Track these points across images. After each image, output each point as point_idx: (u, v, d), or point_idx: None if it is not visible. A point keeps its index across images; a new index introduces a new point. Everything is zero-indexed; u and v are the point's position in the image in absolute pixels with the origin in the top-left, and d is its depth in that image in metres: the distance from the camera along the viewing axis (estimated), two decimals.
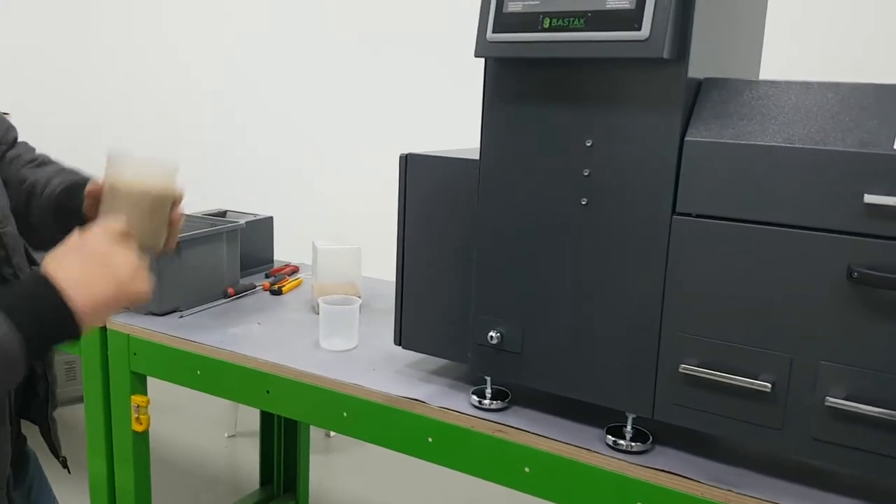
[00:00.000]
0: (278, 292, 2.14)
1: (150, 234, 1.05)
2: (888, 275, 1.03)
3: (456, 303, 1.46)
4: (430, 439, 1.43)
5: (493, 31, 1.26)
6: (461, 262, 1.44)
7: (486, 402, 1.42)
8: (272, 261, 2.45)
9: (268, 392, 1.63)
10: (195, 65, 3.76)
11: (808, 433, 1.13)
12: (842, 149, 1.06)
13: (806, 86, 1.14)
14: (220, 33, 3.66)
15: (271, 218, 2.43)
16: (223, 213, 2.44)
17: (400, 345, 1.56)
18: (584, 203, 1.26)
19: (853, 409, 1.08)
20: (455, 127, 2.80)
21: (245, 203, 2.71)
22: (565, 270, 1.30)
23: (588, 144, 1.25)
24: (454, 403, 1.44)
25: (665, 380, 1.23)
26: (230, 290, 2.06)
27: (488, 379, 1.44)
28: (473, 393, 1.45)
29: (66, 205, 1.17)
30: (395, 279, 2.18)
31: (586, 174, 1.26)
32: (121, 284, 0.89)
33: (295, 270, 2.38)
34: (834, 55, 2.07)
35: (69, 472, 1.21)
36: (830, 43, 2.10)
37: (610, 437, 1.31)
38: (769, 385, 1.14)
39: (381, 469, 3.11)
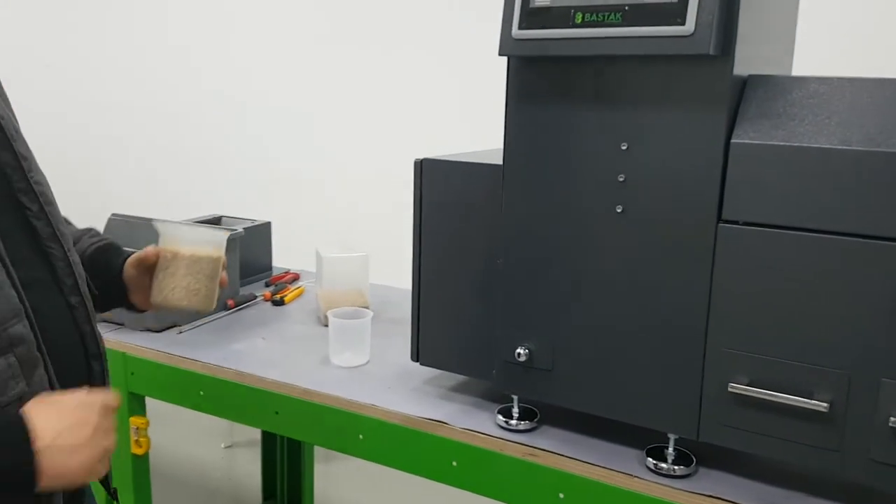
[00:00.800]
0: (280, 302, 2.04)
1: (207, 296, 1.19)
2: None
3: (478, 316, 1.37)
4: (454, 463, 1.34)
5: (520, 28, 1.17)
6: (484, 274, 1.35)
7: (514, 422, 1.34)
8: (271, 268, 2.35)
9: (277, 413, 1.54)
10: (191, 64, 3.64)
11: (868, 455, 1.05)
12: None
13: (861, 82, 1.06)
14: (220, 32, 3.54)
15: (269, 223, 2.33)
16: (217, 220, 2.33)
17: (417, 361, 1.47)
18: (619, 210, 1.18)
19: None
20: (464, 128, 2.71)
21: (239, 207, 2.61)
22: (599, 282, 1.21)
23: (623, 148, 1.16)
24: (479, 424, 1.35)
25: (711, 399, 1.15)
26: (230, 303, 1.96)
27: (515, 397, 1.35)
28: (499, 412, 1.36)
29: (101, 267, 1.20)
30: (403, 286, 2.11)
31: (621, 180, 1.17)
32: (90, 463, 0.87)
33: (296, 278, 2.29)
34: (867, 53, 2.00)
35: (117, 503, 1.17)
36: (862, 40, 2.02)
37: (651, 459, 1.23)
38: (827, 405, 1.06)
39: (386, 479, 3.02)
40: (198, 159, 3.68)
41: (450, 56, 2.90)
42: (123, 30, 3.79)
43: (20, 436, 0.81)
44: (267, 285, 2.21)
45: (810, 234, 1.06)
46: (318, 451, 2.61)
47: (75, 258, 1.01)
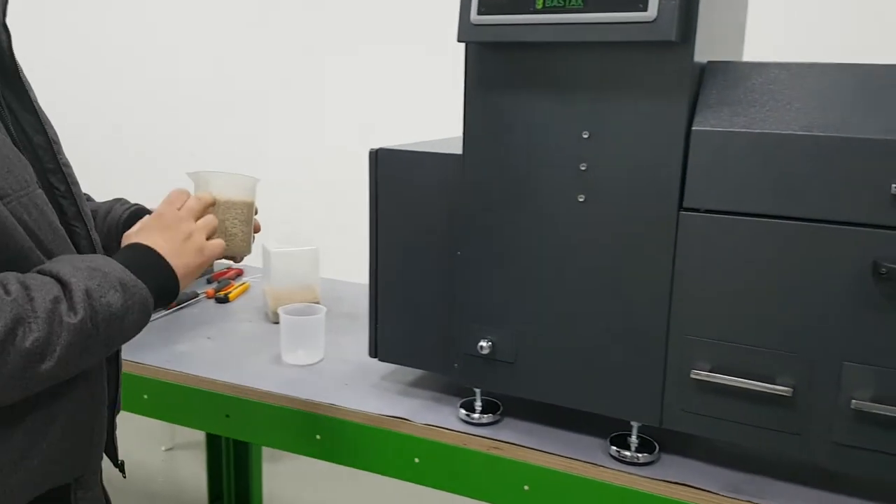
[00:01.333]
0: (225, 300, 1.97)
1: (244, 240, 1.21)
2: None
3: (439, 310, 1.34)
4: (416, 460, 1.32)
5: (479, 13, 1.14)
6: (444, 266, 1.32)
7: (476, 415, 1.32)
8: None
9: (228, 416, 1.48)
10: (120, 52, 3.48)
11: (831, 438, 1.07)
12: (865, 136, 0.99)
13: (820, 68, 1.07)
14: (145, 18, 3.39)
15: None
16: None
17: (375, 357, 1.44)
18: (581, 200, 1.17)
19: (879, 412, 1.02)
20: (418, 115, 2.66)
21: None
22: (561, 272, 1.20)
23: (585, 136, 1.15)
24: (441, 419, 1.33)
25: (674, 386, 1.16)
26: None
27: (478, 390, 1.33)
28: (461, 406, 1.34)
29: None
30: (353, 280, 2.07)
31: (583, 169, 1.16)
32: (200, 252, 1.04)
33: (239, 274, 2.21)
34: (823, 39, 2.04)
35: (124, 477, 1.18)
36: (817, 25, 2.07)
37: (614, 447, 1.22)
38: (789, 389, 1.07)
39: (336, 476, 2.98)
40: (130, 152, 3.53)
41: (408, 41, 2.83)
42: (68, 20, 3.60)
43: (160, 263, 0.97)
44: (209, 282, 2.13)
45: (771, 220, 1.06)
46: (266, 451, 2.55)
47: (96, 237, 1.05)
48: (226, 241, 1.14)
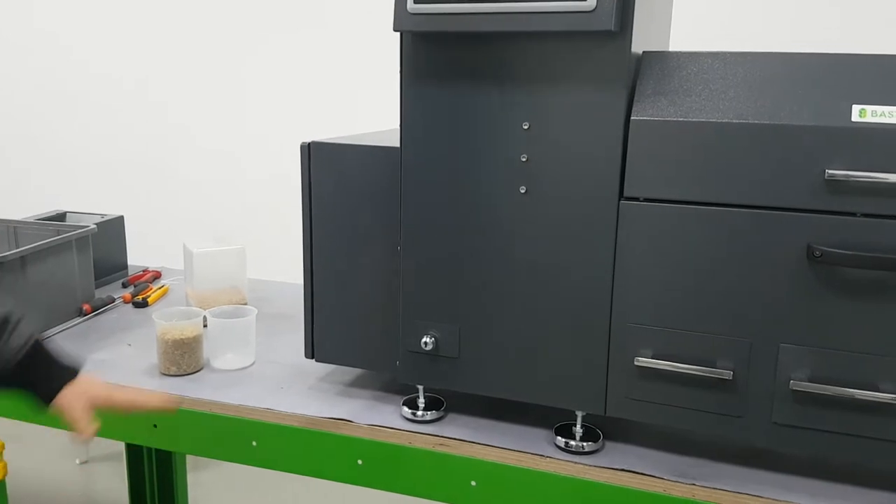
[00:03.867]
0: (143, 304, 1.87)
1: None
2: (853, 252, 1.01)
3: (379, 307, 1.31)
4: (359, 462, 1.28)
5: (416, 2, 1.11)
6: (382, 262, 1.29)
7: (420, 413, 1.30)
8: (126, 267, 2.16)
9: (155, 426, 1.40)
10: (27, 50, 3.26)
11: (771, 419, 1.10)
12: (798, 123, 1.02)
13: (752, 56, 1.10)
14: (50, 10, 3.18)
15: (122, 218, 2.13)
16: (62, 216, 2.11)
17: (312, 357, 1.39)
18: (522, 191, 1.16)
19: (816, 391, 1.06)
20: (349, 106, 2.60)
21: (84, 202, 2.38)
22: (505, 264, 1.19)
23: (525, 127, 1.14)
24: (384, 419, 1.30)
25: (618, 374, 1.16)
26: (86, 307, 1.78)
27: (421, 387, 1.31)
28: (404, 404, 1.32)
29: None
30: (279, 278, 2.01)
31: (524, 160, 1.15)
32: None
33: (157, 276, 2.11)
34: (740, 29, 2.10)
35: None
36: (735, 17, 2.12)
37: (560, 438, 1.23)
38: (730, 372, 1.10)
39: (263, 480, 2.89)
40: (37, 152, 3.32)
41: (336, 28, 2.75)
42: None
43: None
44: (125, 286, 2.03)
45: (709, 207, 1.08)
46: (190, 459, 2.45)
47: None
48: None
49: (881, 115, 0.99)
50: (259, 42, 2.86)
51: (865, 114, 1.00)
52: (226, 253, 1.74)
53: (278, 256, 1.95)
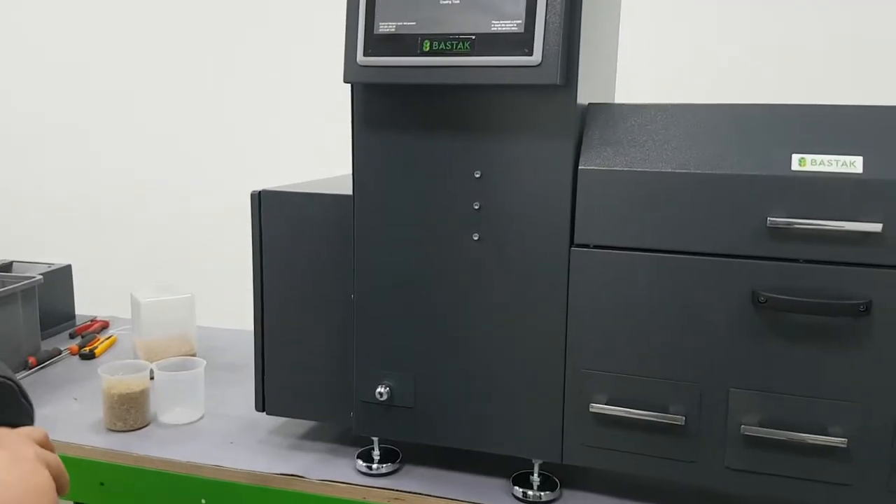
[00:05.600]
0: (90, 356, 1.82)
1: None
2: (795, 298, 1.03)
3: (331, 357, 1.29)
4: None
5: (365, 55, 1.12)
6: (335, 311, 1.28)
7: (375, 466, 1.27)
8: (74, 317, 2.10)
9: (102, 484, 1.35)
10: None
11: (724, 463, 1.11)
12: (740, 172, 1.05)
13: (693, 108, 1.13)
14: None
15: (69, 267, 2.08)
16: (8, 266, 2.05)
17: (263, 410, 1.36)
18: (475, 239, 1.16)
19: (766, 436, 1.07)
20: (300, 153, 2.58)
21: (31, 248, 2.32)
22: (459, 312, 1.19)
23: (477, 176, 1.15)
24: (338, 473, 1.27)
25: (573, 421, 1.16)
26: (32, 360, 1.72)
27: (375, 439, 1.29)
28: (359, 457, 1.29)
29: None
30: (236, 326, 1.97)
31: (476, 208, 1.16)
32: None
33: (105, 326, 2.06)
34: (682, 81, 2.16)
35: None
36: (677, 70, 2.19)
37: (517, 487, 1.21)
38: (682, 417, 1.10)
39: None
40: None
41: (286, 75, 2.74)
42: None
43: None
44: (72, 336, 1.97)
45: (656, 253, 1.10)
46: None
47: None
48: None
49: (820, 163, 1.02)
50: (210, 85, 2.84)
51: (805, 162, 1.03)
52: (174, 302, 1.71)
53: (230, 302, 1.92)
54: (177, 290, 1.75)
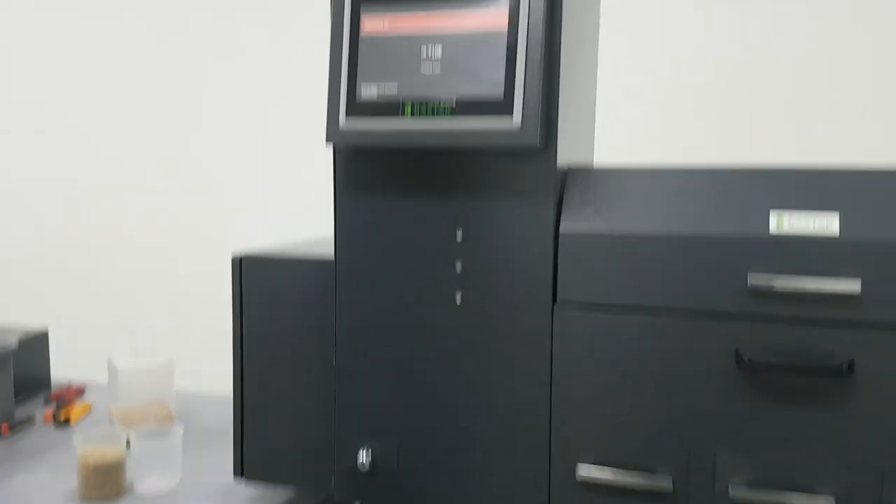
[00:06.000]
0: (65, 424, 1.78)
1: None
2: (779, 358, 1.03)
3: (312, 421, 1.27)
4: None
5: (348, 118, 1.13)
6: (316, 375, 1.26)
7: None
8: (49, 382, 2.05)
9: None
10: None
11: None
12: (719, 233, 1.06)
13: (669, 172, 1.15)
14: None
15: (46, 333, 2.05)
16: None
17: (242, 476, 1.33)
18: (458, 301, 1.16)
19: (755, 499, 1.05)
20: (276, 215, 2.58)
21: (7, 309, 2.29)
22: (442, 375, 1.18)
23: (459, 238, 1.15)
24: None
25: (560, 485, 1.14)
26: (5, 428, 1.68)
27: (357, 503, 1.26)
28: None
29: None
30: (215, 390, 1.94)
31: (458, 270, 1.16)
32: None
33: (81, 391, 2.02)
34: (659, 142, 2.20)
35: None
36: (653, 131, 2.23)
37: None
38: (670, 479, 1.09)
39: None
40: None
41: (268, 138, 2.76)
42: None
43: None
44: (47, 402, 1.93)
45: (640, 313, 1.10)
46: None
47: None
48: None
49: (798, 224, 1.04)
50: (193, 148, 2.85)
51: (783, 223, 1.04)
52: (152, 368, 1.68)
53: (210, 366, 1.89)
54: (155, 354, 1.72)
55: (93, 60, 2.92)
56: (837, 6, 2.11)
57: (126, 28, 2.85)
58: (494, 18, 1.08)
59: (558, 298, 1.13)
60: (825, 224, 1.02)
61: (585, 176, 1.17)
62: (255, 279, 1.29)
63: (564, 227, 1.12)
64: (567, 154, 1.18)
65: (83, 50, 2.93)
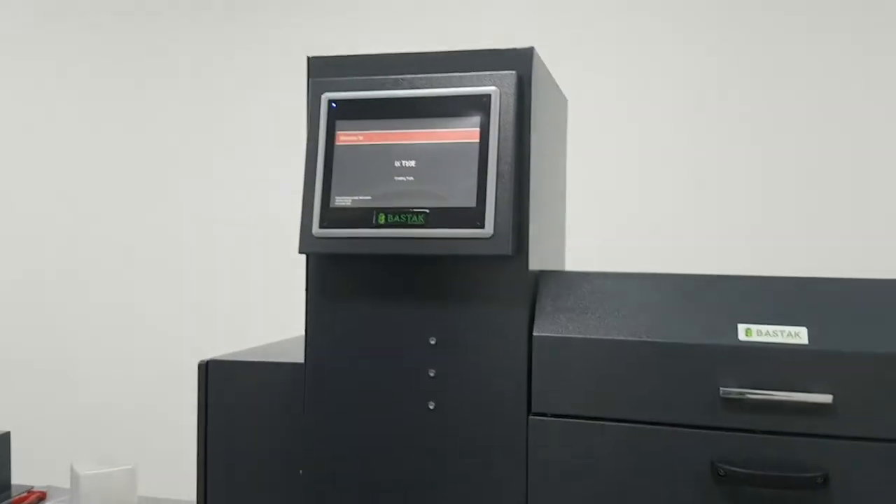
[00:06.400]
0: None
1: None
2: (754, 471, 1.02)
3: None
4: None
5: (321, 227, 1.14)
6: (282, 484, 1.22)
7: None
8: (10, 487, 1.97)
9: None
10: None
11: None
12: (689, 341, 1.07)
13: (640, 277, 1.16)
14: None
15: (8, 435, 1.98)
16: None
17: None
18: (431, 407, 1.14)
19: None
20: (254, 322, 2.55)
21: None
22: (414, 484, 1.15)
23: (432, 343, 1.15)
24: None
25: None
26: None
27: None
28: None
29: None
30: (180, 496, 1.87)
31: (432, 375, 1.14)
32: None
33: (42, 497, 1.93)
34: (629, 249, 2.24)
35: None
36: (622, 238, 2.27)
37: None
38: None
39: None
40: None
41: (236, 240, 2.76)
42: None
43: None
44: None
45: (613, 423, 1.09)
46: None
47: None
48: None
49: (766, 334, 1.05)
50: (156, 246, 2.82)
51: (751, 333, 1.05)
52: (114, 475, 1.62)
53: (174, 471, 1.84)
54: (118, 460, 1.67)
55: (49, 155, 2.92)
56: (804, 118, 2.20)
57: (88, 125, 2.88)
58: (466, 132, 1.11)
59: (533, 406, 1.12)
60: (793, 334, 1.03)
61: (558, 280, 1.18)
62: (222, 384, 1.26)
63: (538, 331, 1.12)
64: (539, 260, 1.19)
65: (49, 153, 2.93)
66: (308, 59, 1.21)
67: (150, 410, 2.64)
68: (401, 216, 1.11)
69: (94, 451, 1.72)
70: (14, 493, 1.95)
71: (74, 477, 1.64)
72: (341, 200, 1.14)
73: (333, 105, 1.16)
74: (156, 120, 2.76)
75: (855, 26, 2.17)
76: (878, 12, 2.15)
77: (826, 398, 0.99)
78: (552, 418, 1.11)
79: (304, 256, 1.19)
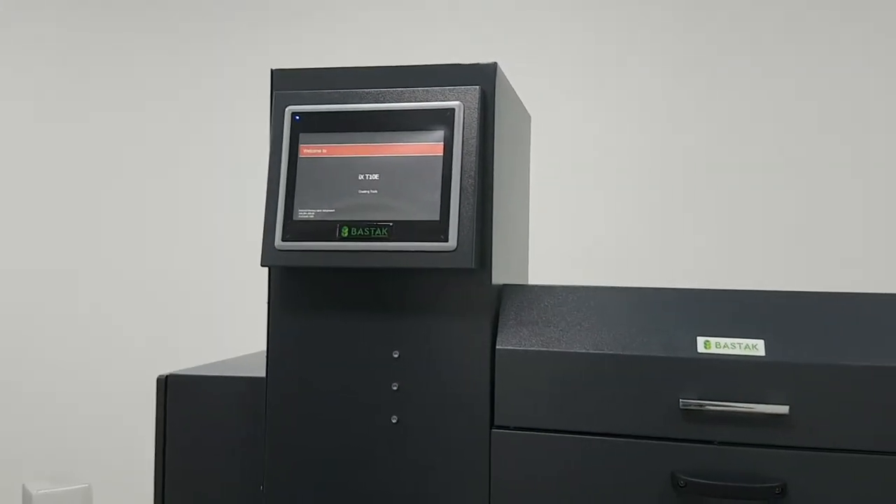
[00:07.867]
0: None
1: None
2: (714, 482, 1.03)
3: None
4: None
5: (283, 239, 1.13)
6: (246, 501, 1.20)
7: None
8: None
9: None
10: None
11: None
12: (650, 353, 1.08)
13: (604, 290, 1.17)
14: None
15: None
16: None
17: None
18: (394, 421, 1.14)
19: None
20: (204, 333, 2.51)
21: None
22: (376, 498, 1.14)
23: (395, 356, 1.14)
24: None
25: None
26: None
27: None
28: None
29: None
30: None
31: (395, 388, 1.14)
32: None
33: None
34: (594, 263, 2.26)
35: None
36: (587, 251, 2.30)
37: None
38: None
39: None
40: None
41: (195, 253, 2.71)
42: None
43: None
44: None
45: (576, 435, 1.09)
46: None
47: None
48: None
49: (724, 346, 1.06)
50: (110, 259, 2.76)
51: (710, 345, 1.07)
52: (69, 494, 1.58)
53: (130, 490, 1.80)
54: (72, 479, 1.62)
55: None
56: (769, 136, 2.24)
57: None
58: (430, 146, 1.11)
59: (496, 419, 1.12)
60: (750, 346, 1.05)
61: (521, 294, 1.19)
62: (181, 399, 1.24)
63: (500, 344, 1.12)
64: (502, 274, 1.20)
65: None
66: (272, 71, 1.21)
67: (107, 426, 2.57)
68: (364, 229, 1.11)
69: (47, 469, 1.67)
70: None
71: (26, 496, 1.60)
72: (304, 213, 1.13)
73: (297, 118, 1.16)
74: (120, 130, 2.72)
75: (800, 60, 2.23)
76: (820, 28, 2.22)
77: (783, 409, 1.01)
78: (514, 431, 1.11)
79: (267, 270, 1.19)
